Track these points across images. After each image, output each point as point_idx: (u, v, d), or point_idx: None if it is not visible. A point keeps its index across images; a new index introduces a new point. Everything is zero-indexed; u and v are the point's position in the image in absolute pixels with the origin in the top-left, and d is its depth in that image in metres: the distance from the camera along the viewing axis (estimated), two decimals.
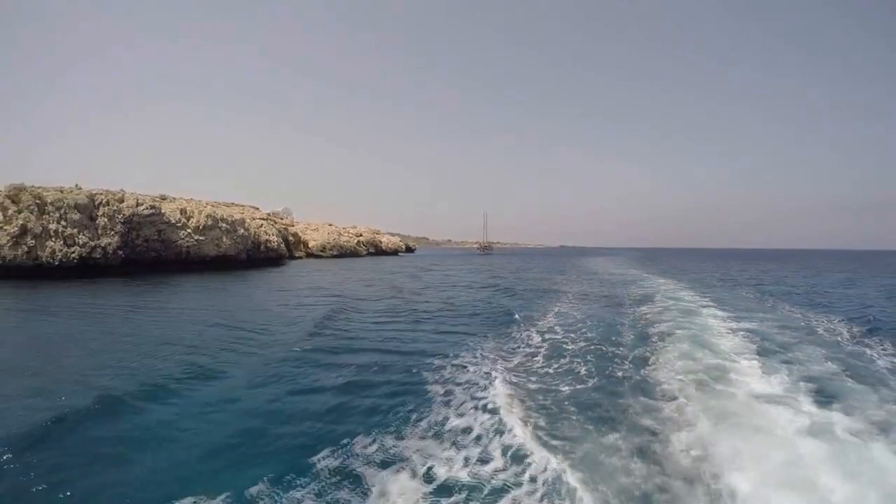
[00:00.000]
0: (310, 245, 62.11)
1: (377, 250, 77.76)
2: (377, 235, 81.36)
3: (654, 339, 10.28)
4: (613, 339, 10.46)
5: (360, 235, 75.42)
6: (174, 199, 40.18)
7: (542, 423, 5.64)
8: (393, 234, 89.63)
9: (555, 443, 5.11)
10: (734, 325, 12.08)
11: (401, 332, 11.41)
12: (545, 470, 4.46)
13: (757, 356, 8.75)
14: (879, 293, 22.39)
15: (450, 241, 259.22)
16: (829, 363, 8.40)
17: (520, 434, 5.22)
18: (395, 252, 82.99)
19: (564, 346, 9.84)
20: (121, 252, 29.82)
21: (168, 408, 6.15)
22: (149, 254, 32.09)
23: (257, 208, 54.93)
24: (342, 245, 66.52)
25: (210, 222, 35.12)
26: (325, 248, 62.96)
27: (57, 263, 26.91)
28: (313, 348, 9.46)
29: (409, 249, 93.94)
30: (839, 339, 10.77)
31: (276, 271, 35.56)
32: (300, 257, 58.16)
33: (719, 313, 13.96)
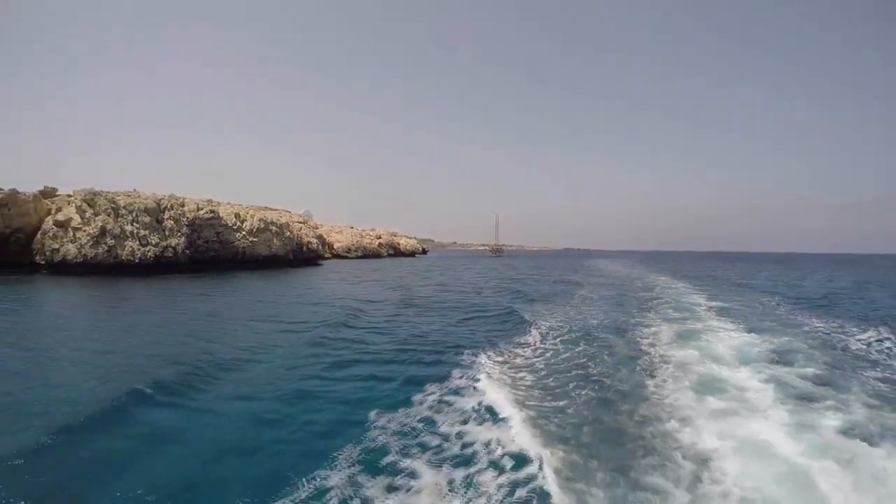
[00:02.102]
0: (335, 247, 64.93)
1: (395, 252, 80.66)
2: (395, 237, 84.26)
3: (649, 312, 14.92)
4: (622, 312, 15.11)
5: (380, 237, 78.29)
6: (219, 203, 43.04)
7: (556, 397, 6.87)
8: (409, 238, 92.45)
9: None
10: (716, 303, 17.32)
11: (448, 325, 12.96)
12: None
13: (723, 317, 13.65)
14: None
15: (455, 242, 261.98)
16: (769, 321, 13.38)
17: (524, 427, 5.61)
18: (412, 253, 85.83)
19: (590, 323, 13.44)
20: (187, 251, 32.66)
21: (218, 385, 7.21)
22: (208, 253, 34.90)
23: (289, 211, 57.75)
24: (365, 246, 69.41)
25: (262, 225, 37.96)
26: (349, 249, 65.83)
27: (136, 261, 29.72)
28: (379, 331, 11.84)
29: (423, 251, 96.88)
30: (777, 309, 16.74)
31: (317, 271, 38.18)
32: (327, 258, 60.91)
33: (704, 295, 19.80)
